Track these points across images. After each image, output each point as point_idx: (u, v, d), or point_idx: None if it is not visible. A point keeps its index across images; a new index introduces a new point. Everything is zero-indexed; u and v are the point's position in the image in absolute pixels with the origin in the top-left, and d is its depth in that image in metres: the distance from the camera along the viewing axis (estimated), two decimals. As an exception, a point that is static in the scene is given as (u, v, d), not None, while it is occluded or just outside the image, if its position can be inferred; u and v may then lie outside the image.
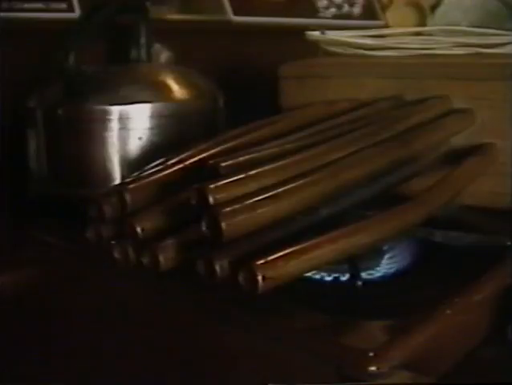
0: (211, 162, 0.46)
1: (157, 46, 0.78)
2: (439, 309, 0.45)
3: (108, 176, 0.65)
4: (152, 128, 0.65)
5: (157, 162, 0.50)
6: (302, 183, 0.44)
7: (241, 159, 0.47)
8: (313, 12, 1.01)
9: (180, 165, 0.49)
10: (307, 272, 0.44)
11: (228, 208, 0.40)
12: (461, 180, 0.55)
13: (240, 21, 0.91)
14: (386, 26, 1.02)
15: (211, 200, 0.41)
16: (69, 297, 0.58)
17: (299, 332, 0.43)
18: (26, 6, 0.73)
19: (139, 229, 0.43)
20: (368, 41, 0.72)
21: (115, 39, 0.76)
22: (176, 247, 0.43)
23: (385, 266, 0.53)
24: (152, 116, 0.65)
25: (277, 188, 0.43)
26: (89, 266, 0.56)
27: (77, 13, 0.75)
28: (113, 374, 0.52)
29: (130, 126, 0.64)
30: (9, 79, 0.70)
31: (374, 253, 0.54)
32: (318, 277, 0.51)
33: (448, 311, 0.45)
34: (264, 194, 0.42)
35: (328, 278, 0.51)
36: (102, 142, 0.64)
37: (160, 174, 0.48)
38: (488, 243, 0.57)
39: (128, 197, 0.45)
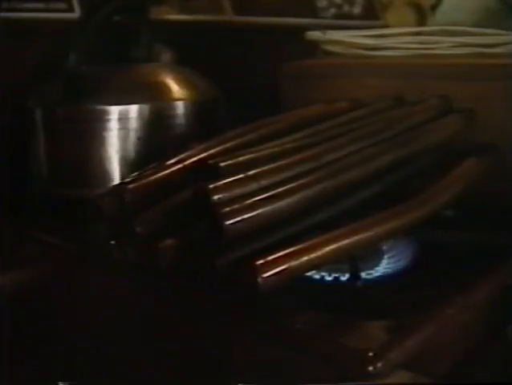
0: (211, 162, 0.46)
1: (157, 46, 0.78)
2: (439, 309, 0.45)
3: (108, 176, 0.65)
4: (152, 128, 0.65)
5: (157, 162, 0.50)
6: (302, 183, 0.44)
7: (241, 159, 0.47)
8: (313, 12, 1.01)
9: (180, 165, 0.49)
10: (307, 272, 0.44)
11: (228, 208, 0.40)
12: (461, 180, 0.55)
13: (240, 21, 0.91)
14: (386, 26, 1.02)
15: (211, 200, 0.41)
16: (69, 297, 0.58)
17: (299, 332, 0.43)
18: (26, 6, 0.73)
19: (138, 229, 0.43)
20: (368, 41, 0.72)
21: (115, 39, 0.76)
22: (175, 247, 0.43)
23: (385, 266, 0.53)
24: (152, 116, 0.65)
25: (277, 188, 0.43)
26: (89, 266, 0.56)
27: (77, 13, 0.75)
28: (113, 373, 0.52)
29: (130, 126, 0.64)
30: (9, 79, 0.70)
31: (374, 253, 0.54)
32: (318, 277, 0.51)
33: (448, 311, 0.45)
34: (264, 194, 0.42)
35: (328, 278, 0.51)
36: (102, 142, 0.64)
37: (160, 174, 0.48)
38: (488, 243, 0.57)
39: (127, 197, 0.45)
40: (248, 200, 0.41)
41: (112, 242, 0.46)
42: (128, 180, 0.48)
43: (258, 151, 0.49)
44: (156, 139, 0.65)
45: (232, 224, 0.40)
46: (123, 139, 0.64)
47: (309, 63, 0.73)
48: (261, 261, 0.39)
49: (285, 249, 0.40)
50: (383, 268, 0.53)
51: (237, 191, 0.42)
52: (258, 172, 0.44)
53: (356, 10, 1.06)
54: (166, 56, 0.80)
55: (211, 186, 0.41)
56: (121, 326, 0.52)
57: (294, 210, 0.44)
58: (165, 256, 0.43)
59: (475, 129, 0.61)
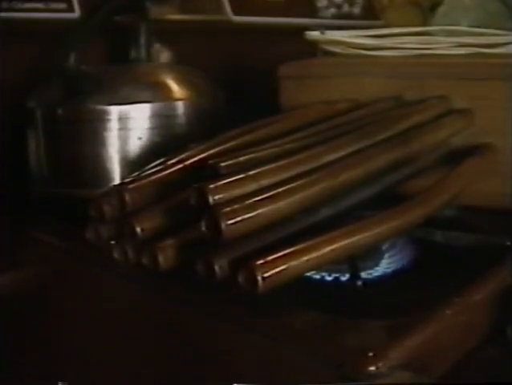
0: (211, 162, 0.46)
1: (157, 46, 0.78)
2: (439, 309, 0.45)
3: (108, 176, 0.65)
4: (152, 128, 0.65)
5: (157, 162, 0.50)
6: (301, 183, 0.44)
7: (241, 159, 0.47)
8: (313, 12, 1.01)
9: (180, 165, 0.49)
10: (307, 272, 0.44)
11: (227, 208, 0.40)
12: (461, 180, 0.55)
13: (240, 21, 0.91)
14: (386, 26, 1.02)
15: (211, 200, 0.41)
16: (69, 297, 0.58)
17: (299, 332, 0.43)
18: (26, 6, 0.73)
19: (138, 229, 0.43)
20: (368, 41, 0.72)
21: (115, 39, 0.76)
22: (175, 247, 0.43)
23: (385, 266, 0.53)
24: (152, 116, 0.65)
25: (276, 188, 0.43)
26: (89, 266, 0.56)
27: (77, 13, 0.75)
28: (113, 373, 0.52)
29: (130, 126, 0.64)
30: (9, 79, 0.70)
31: (374, 253, 0.54)
32: (318, 277, 0.51)
33: (448, 311, 0.45)
34: (264, 194, 0.42)
35: (328, 278, 0.51)
36: (102, 142, 0.64)
37: (160, 174, 0.48)
38: (488, 243, 0.57)
39: (127, 197, 0.45)
40: (248, 200, 0.41)
41: (112, 242, 0.46)
42: (127, 180, 0.48)
43: (257, 151, 0.49)
44: (156, 139, 0.65)
45: (232, 224, 0.40)
46: (123, 139, 0.64)
47: (309, 63, 0.73)
48: (261, 261, 0.39)
49: (285, 249, 0.40)
50: (383, 268, 0.53)
51: (237, 191, 0.42)
52: (258, 172, 0.44)
53: (356, 10, 1.06)
54: (166, 56, 0.80)
55: (211, 186, 0.41)
56: (121, 325, 0.52)
57: (294, 210, 0.44)
58: (165, 256, 0.43)
59: (475, 129, 0.61)
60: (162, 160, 0.50)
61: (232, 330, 0.45)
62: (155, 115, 0.65)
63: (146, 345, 0.50)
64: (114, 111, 0.64)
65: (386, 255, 0.54)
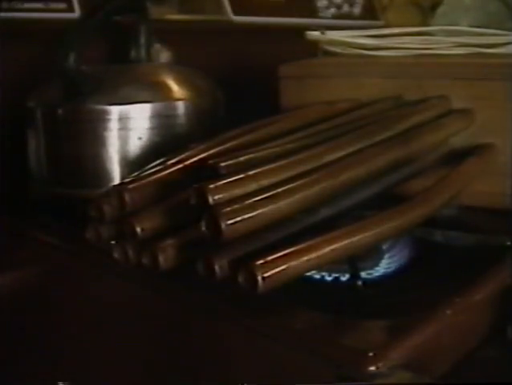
0: (211, 162, 0.46)
1: (157, 46, 0.78)
2: (439, 309, 0.45)
3: (108, 176, 0.65)
4: (152, 128, 0.65)
5: (157, 162, 0.50)
6: (301, 183, 0.44)
7: (241, 159, 0.47)
8: (313, 12, 1.01)
9: (180, 165, 0.49)
10: (307, 272, 0.44)
11: (227, 208, 0.40)
12: (461, 180, 0.55)
13: (240, 21, 0.91)
14: (386, 26, 1.02)
15: (211, 200, 0.41)
16: (69, 297, 0.58)
17: (299, 332, 0.43)
18: (26, 6, 0.73)
19: (139, 229, 0.43)
20: (368, 41, 0.72)
21: (115, 39, 0.76)
22: (175, 247, 0.43)
23: (385, 266, 0.53)
24: (152, 116, 0.65)
25: (277, 188, 0.43)
26: (89, 266, 0.56)
27: (77, 13, 0.75)
28: (113, 373, 0.52)
29: (130, 126, 0.64)
30: (9, 79, 0.70)
31: (374, 253, 0.54)
32: (318, 277, 0.51)
33: (448, 311, 0.45)
34: (264, 194, 0.42)
35: (328, 278, 0.51)
36: (102, 142, 0.64)
37: (160, 174, 0.48)
38: (488, 243, 0.57)
39: (127, 197, 0.45)
40: (248, 200, 0.41)
41: (112, 242, 0.46)
42: (127, 180, 0.48)
43: (257, 151, 0.49)
44: (156, 139, 0.65)
45: (232, 224, 0.40)
46: (124, 139, 0.64)
47: (309, 63, 0.73)
48: (261, 261, 0.39)
49: (285, 249, 0.40)
50: (383, 268, 0.53)
51: (237, 191, 0.42)
52: (258, 172, 0.44)
53: (356, 10, 1.06)
54: (166, 56, 0.80)
55: (211, 186, 0.41)
56: (121, 325, 0.52)
57: (294, 210, 0.44)
58: (165, 256, 0.43)
59: (475, 129, 0.61)
60: (162, 160, 0.50)
61: (232, 330, 0.45)
62: (155, 115, 0.65)
63: (146, 345, 0.50)
64: (114, 111, 0.64)
65: (386, 255, 0.54)
